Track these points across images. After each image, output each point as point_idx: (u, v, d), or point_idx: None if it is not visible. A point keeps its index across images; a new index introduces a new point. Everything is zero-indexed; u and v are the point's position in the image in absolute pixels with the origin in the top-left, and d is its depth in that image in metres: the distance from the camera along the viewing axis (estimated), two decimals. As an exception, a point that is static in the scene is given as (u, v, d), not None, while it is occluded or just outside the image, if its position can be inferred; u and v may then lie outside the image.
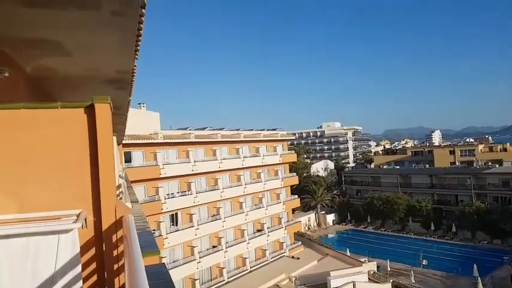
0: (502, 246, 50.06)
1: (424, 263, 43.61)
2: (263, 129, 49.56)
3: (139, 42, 4.32)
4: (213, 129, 43.85)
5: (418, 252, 45.96)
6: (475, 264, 39.44)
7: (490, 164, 75.93)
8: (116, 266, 2.87)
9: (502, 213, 52.03)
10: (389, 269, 42.78)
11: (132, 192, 8.91)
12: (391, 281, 37.24)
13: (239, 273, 38.70)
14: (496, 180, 60.06)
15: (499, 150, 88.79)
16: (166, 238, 31.90)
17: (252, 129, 48.33)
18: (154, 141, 32.60)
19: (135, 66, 5.33)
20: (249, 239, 40.77)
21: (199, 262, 34.85)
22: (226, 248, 37.88)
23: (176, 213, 34.65)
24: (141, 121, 32.66)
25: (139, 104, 36.57)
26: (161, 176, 32.63)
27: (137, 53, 4.65)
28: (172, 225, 34.28)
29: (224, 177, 40.20)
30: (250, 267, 40.01)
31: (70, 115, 2.87)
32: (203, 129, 42.92)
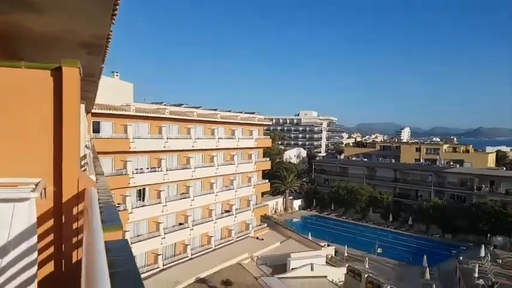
0: (452, 240, 52.89)
1: (379, 251, 45.59)
2: (241, 112, 49.22)
3: (117, 6, 4.08)
4: (189, 107, 42.97)
5: (375, 241, 47.85)
6: (425, 255, 41.65)
7: (452, 163, 79.43)
8: (75, 240, 2.77)
9: (456, 210, 54.85)
10: (346, 254, 44.48)
11: (98, 164, 8.63)
12: (346, 265, 38.80)
13: (203, 250, 39.03)
14: (455, 179, 62.98)
15: (461, 151, 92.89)
16: (131, 213, 31.49)
17: (229, 111, 47.89)
18: (126, 113, 31.61)
19: (111, 31, 5.06)
20: (216, 219, 40.97)
21: (164, 238, 34.77)
22: (192, 226, 37.93)
23: (144, 189, 34.13)
24: (113, 91, 31.61)
25: (113, 72, 35.14)
26: (131, 149, 31.83)
27: (114, 17, 4.40)
28: (139, 200, 33.82)
29: (197, 157, 39.84)
30: (215, 246, 40.41)
31: (35, 76, 2.66)
32: (179, 105, 42.01)
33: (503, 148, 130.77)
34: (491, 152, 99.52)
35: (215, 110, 45.58)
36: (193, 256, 37.55)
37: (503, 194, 55.11)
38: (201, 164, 40.34)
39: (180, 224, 37.57)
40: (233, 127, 44.87)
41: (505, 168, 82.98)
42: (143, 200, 34.11)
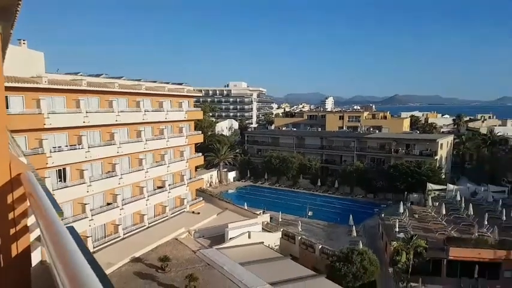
0: (374, 200, 57.77)
1: (310, 214, 48.35)
2: (167, 83, 46.95)
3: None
4: (110, 77, 39.52)
5: (306, 205, 50.55)
6: (351, 215, 45.10)
7: (371, 129, 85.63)
8: (12, 231, 2.45)
9: (376, 172, 59.71)
10: (280, 219, 46.37)
11: (15, 144, 7.43)
12: (281, 230, 40.52)
13: (136, 229, 37.68)
14: (374, 144, 68.11)
15: (380, 117, 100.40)
16: (53, 195, 28.88)
17: (155, 81, 45.40)
18: (38, 85, 28.21)
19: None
20: (148, 196, 39.53)
21: (92, 220, 32.70)
22: (122, 205, 36.17)
23: (64, 169, 31.32)
24: (20, 61, 27.97)
25: (19, 40, 30.80)
26: (46, 126, 28.72)
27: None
28: (60, 181, 31.07)
29: (122, 132, 37.40)
30: (149, 224, 39.22)
31: None
32: (98, 76, 38.41)
33: (416, 113, 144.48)
34: (406, 118, 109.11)
35: (139, 80, 42.70)
36: (125, 236, 36.10)
37: (417, 155, 61.06)
38: (127, 140, 38.08)
39: (109, 204, 35.57)
40: (160, 99, 42.78)
41: (418, 132, 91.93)
42: (65, 181, 31.44)
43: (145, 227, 38.65)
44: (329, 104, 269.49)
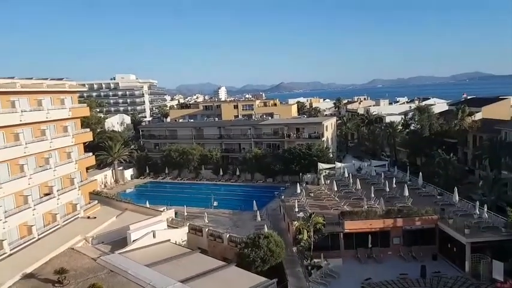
0: (273, 183, 61.16)
1: (215, 205, 48.84)
2: (46, 79, 41.86)
3: None
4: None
5: (210, 196, 50.90)
6: (254, 201, 46.88)
7: (264, 116, 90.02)
8: None
9: (273, 157, 63.28)
10: (186, 214, 45.94)
11: None
12: (187, 224, 40.14)
13: (24, 243, 33.41)
14: (269, 130, 71.93)
15: (271, 105, 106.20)
16: None
17: (31, 78, 40.11)
18: None
19: None
20: (34, 205, 35.18)
21: (-35, 241, 27.91)
22: (5, 218, 31.62)
23: None
24: None
25: None
26: None
27: None
28: None
29: (-4, 136, 32.44)
30: (38, 235, 35.08)
31: None
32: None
33: (301, 99, 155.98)
34: (293, 104, 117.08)
35: (12, 77, 37.40)
36: (12, 251, 31.79)
37: (307, 138, 66.31)
38: (3, 145, 33.23)
39: (-13, 219, 30.71)
40: (39, 96, 38.02)
41: (306, 116, 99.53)
42: None
43: (35, 239, 34.50)
44: (222, 94, 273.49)
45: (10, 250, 31.73)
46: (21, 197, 34.34)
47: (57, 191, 38.82)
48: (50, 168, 38.34)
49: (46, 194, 37.80)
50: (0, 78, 35.67)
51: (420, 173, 48.96)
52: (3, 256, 30.83)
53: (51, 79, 42.77)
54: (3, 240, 31.36)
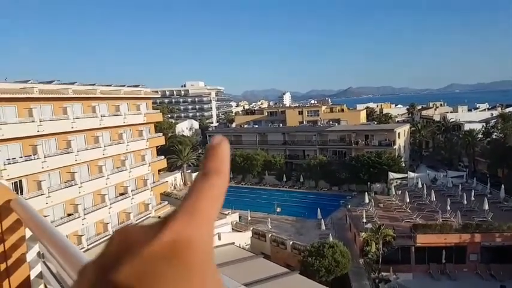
0: (339, 192, 59.13)
1: (278, 211, 48.54)
2: (123, 85, 45.14)
3: None
4: (62, 83, 37.51)
5: (273, 202, 50.70)
6: (318, 208, 45.58)
7: (330, 122, 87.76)
8: (10, 262, 2.26)
9: (339, 164, 61.16)
10: (249, 218, 46.21)
11: None
12: (251, 228, 40.32)
13: (100, 239, 36.03)
14: (335, 136, 69.75)
15: (337, 111, 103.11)
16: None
17: (110, 85, 43.51)
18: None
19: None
20: (110, 204, 37.86)
21: (52, 233, 30.74)
22: (84, 215, 34.39)
23: (20, 181, 29.30)
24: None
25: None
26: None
27: None
28: (17, 195, 28.87)
29: (79, 139, 35.55)
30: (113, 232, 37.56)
31: None
32: (49, 82, 36.32)
33: (371, 104, 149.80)
34: (362, 109, 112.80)
35: (93, 84, 40.86)
36: (89, 247, 34.39)
37: (377, 146, 63.14)
38: (85, 147, 36.27)
39: (69, 214, 33.67)
40: (117, 102, 41.08)
41: (375, 123, 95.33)
42: (22, 194, 29.29)
43: (110, 236, 36.98)
44: (287, 100, 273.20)
45: (87, 245, 34.35)
46: (99, 195, 37.12)
47: (132, 191, 41.38)
48: (126, 169, 41.02)
49: (121, 194, 40.51)
50: (82, 85, 39.18)
51: (502, 186, 44.47)
52: (82, 250, 33.41)
53: (128, 86, 45.97)
54: (81, 235, 34.07)
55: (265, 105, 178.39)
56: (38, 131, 30.49)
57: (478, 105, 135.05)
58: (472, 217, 37.41)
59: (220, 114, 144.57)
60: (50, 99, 32.60)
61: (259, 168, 67.30)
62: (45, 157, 31.13)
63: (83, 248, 33.72)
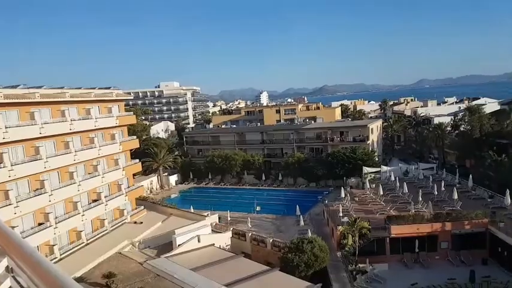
0: (316, 188, 59.74)
1: (258, 209, 48.60)
2: (94, 88, 43.88)
3: None
4: (28, 87, 35.97)
5: (253, 201, 50.71)
6: (297, 205, 45.76)
7: (307, 120, 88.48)
8: None
9: (316, 161, 61.77)
10: (229, 218, 45.92)
11: None
12: (231, 229, 40.10)
13: (74, 247, 34.89)
14: (311, 134, 70.42)
15: (313, 108, 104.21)
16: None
17: (80, 88, 42.21)
18: None
19: None
20: (83, 211, 36.70)
21: (22, 244, 29.50)
22: (56, 223, 33.20)
23: (-17, 191, 27.94)
24: None
25: None
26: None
27: None
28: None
29: (48, 145, 34.23)
30: (87, 240, 36.50)
31: None
32: (15, 87, 34.78)
33: (345, 102, 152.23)
34: (337, 107, 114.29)
35: (62, 88, 39.49)
36: (62, 256, 33.28)
37: (351, 142, 64.16)
38: (55, 153, 35.00)
39: (40, 224, 32.43)
40: (88, 106, 39.87)
41: (350, 119, 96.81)
42: (-15, 205, 28.01)
43: (83, 244, 35.94)
44: (264, 99, 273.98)
45: (60, 255, 33.20)
46: (70, 203, 35.95)
47: (105, 197, 40.27)
48: (99, 175, 39.89)
49: (94, 200, 39.35)
50: (50, 89, 37.79)
51: (470, 176, 46.14)
52: (54, 261, 32.21)
53: (99, 88, 44.72)
54: (54, 245, 32.89)
55: (242, 104, 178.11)
56: (4, 138, 29.14)
57: (446, 99, 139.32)
58: (443, 207, 38.71)
59: (197, 114, 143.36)
60: (16, 104, 31.21)
61: (238, 168, 67.18)
62: (12, 165, 29.82)
63: (56, 258, 32.58)
